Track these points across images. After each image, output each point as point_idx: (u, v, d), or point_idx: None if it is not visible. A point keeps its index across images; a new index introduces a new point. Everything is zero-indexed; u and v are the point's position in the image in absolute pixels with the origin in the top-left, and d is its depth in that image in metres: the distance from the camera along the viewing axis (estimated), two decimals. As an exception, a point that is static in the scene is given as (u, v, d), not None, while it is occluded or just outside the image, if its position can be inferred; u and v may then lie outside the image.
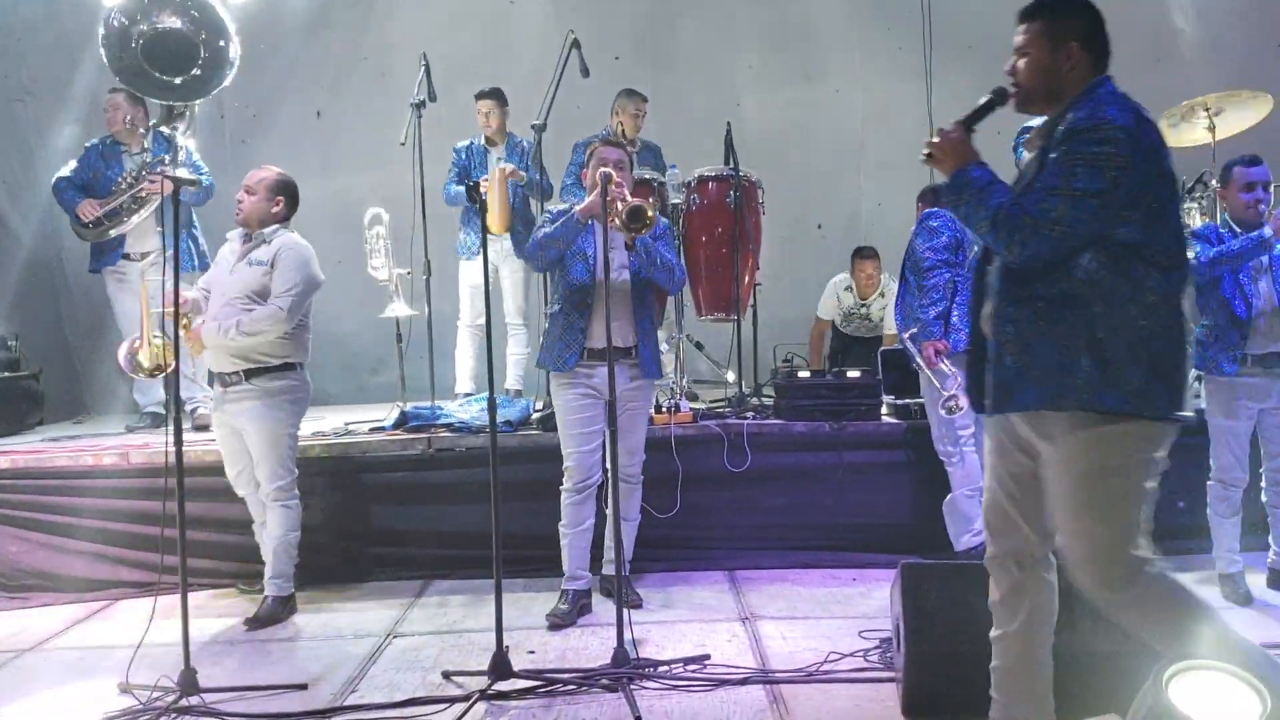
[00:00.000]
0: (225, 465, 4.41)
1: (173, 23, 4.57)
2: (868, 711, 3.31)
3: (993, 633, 2.77)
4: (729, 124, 5.64)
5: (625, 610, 3.64)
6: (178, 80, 4.62)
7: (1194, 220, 5.45)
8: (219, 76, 4.73)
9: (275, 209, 4.33)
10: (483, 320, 6.07)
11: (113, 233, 5.62)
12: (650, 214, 3.88)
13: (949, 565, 3.68)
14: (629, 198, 3.96)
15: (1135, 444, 2.45)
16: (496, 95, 6.06)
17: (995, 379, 2.61)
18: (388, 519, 5.00)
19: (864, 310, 6.78)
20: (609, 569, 4.26)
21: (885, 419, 5.04)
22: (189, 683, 3.45)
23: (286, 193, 4.37)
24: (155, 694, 3.47)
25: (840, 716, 3.29)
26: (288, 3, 7.13)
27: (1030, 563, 2.70)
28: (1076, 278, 2.46)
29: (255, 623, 4.25)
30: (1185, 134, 5.74)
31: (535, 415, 5.30)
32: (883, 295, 6.70)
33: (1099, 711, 2.07)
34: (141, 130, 5.67)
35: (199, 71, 4.63)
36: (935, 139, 2.68)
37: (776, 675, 3.61)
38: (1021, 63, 2.66)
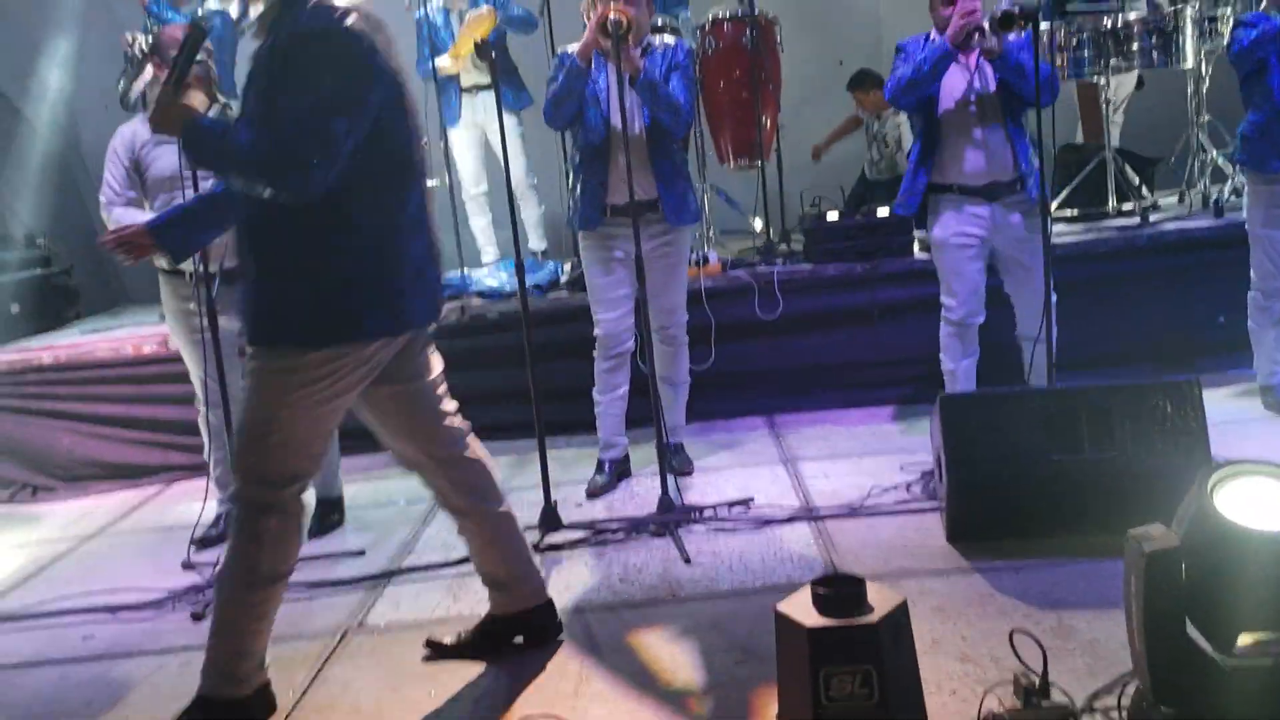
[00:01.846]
0: (211, 369, 3.62)
1: None
2: (912, 540, 3.37)
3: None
4: (743, -40, 5.41)
5: (668, 459, 3.68)
6: None
7: (1227, 27, 5.21)
8: None
9: None
10: (485, 186, 6.08)
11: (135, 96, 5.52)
12: (627, 19, 3.52)
13: (987, 394, 3.69)
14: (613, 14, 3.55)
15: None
16: None
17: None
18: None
19: (880, 128, 6.62)
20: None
21: (918, 255, 4.97)
22: (250, 555, 3.55)
23: None
24: (217, 568, 3.59)
25: (885, 546, 3.35)
26: None
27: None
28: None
29: (317, 533, 3.93)
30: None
31: (564, 278, 5.29)
32: (895, 113, 6.50)
33: (1145, 523, 2.09)
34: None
35: None
36: (152, 112, 2.44)
37: (821, 512, 3.67)
38: None
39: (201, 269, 3.49)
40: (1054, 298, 3.77)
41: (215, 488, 3.90)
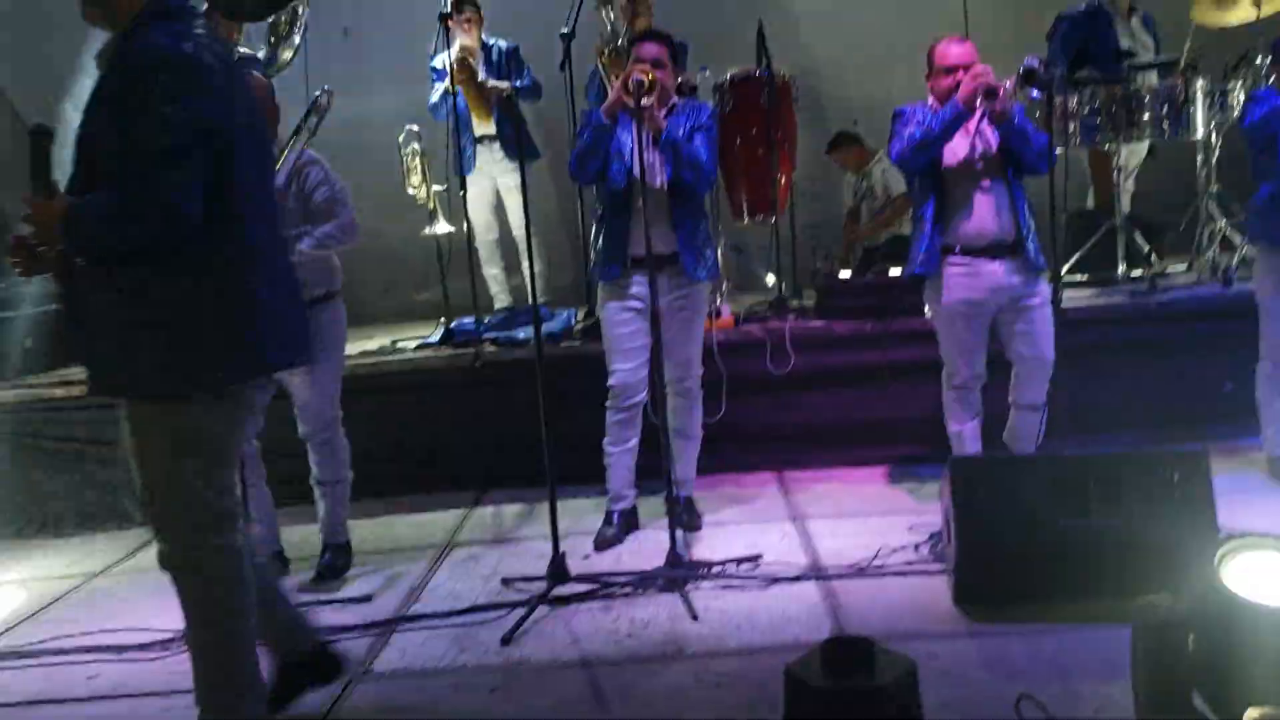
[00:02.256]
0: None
1: None
2: (919, 602, 3.38)
3: None
4: (760, 22, 5.51)
5: (678, 513, 3.71)
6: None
7: (1237, 101, 5.30)
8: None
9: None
10: (496, 234, 6.18)
11: None
12: (650, 79, 3.66)
13: (997, 458, 3.71)
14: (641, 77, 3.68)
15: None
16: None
17: None
18: (439, 433, 5.09)
19: (867, 183, 6.75)
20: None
21: (928, 315, 5.00)
22: (259, 598, 3.56)
23: None
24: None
25: (893, 607, 3.36)
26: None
27: None
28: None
29: (324, 578, 3.99)
30: (1230, 12, 5.55)
31: (577, 326, 5.34)
32: (880, 160, 6.66)
33: (1151, 592, 2.10)
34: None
35: None
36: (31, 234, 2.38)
37: (829, 571, 3.68)
38: None
39: None
40: (1052, 357, 3.84)
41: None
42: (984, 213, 3.91)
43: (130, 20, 2.40)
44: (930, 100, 3.98)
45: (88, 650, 3.47)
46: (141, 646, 3.45)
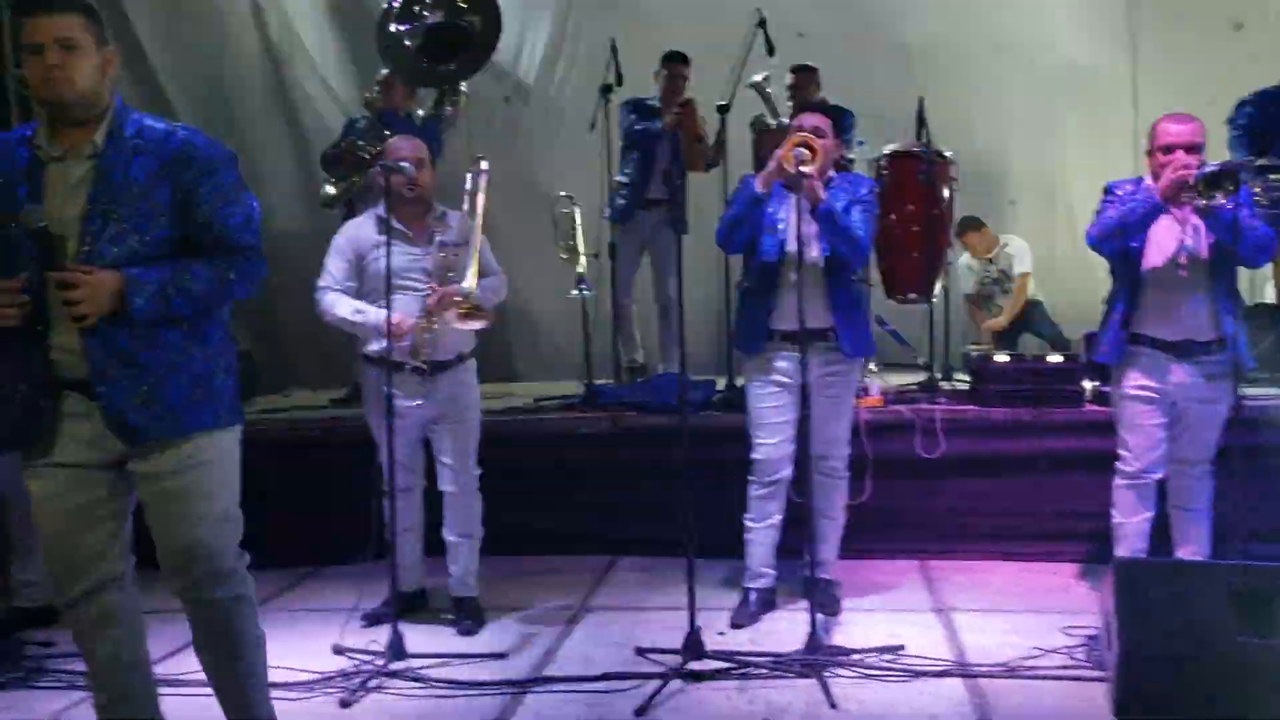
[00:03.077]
0: (397, 454, 3.89)
1: (447, 15, 4.70)
2: (1075, 711, 3.20)
3: None
4: (921, 98, 5.47)
5: (816, 598, 3.61)
6: (443, 68, 4.75)
7: None
8: (481, 62, 4.87)
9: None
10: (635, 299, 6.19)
11: (342, 200, 5.75)
12: (810, 148, 3.61)
13: (1168, 563, 3.51)
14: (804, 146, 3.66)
15: None
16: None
17: None
18: (576, 494, 5.09)
19: (996, 267, 6.71)
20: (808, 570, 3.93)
21: (1090, 406, 4.81)
22: (396, 648, 3.61)
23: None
24: (365, 657, 3.66)
25: (1046, 713, 3.19)
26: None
27: None
28: None
29: (467, 629, 4.05)
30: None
31: (718, 396, 5.30)
32: (1006, 246, 6.69)
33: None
34: (406, 113, 5.74)
35: (465, 59, 4.76)
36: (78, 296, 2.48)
37: (976, 669, 3.51)
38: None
39: (390, 354, 3.72)
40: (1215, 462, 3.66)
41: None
42: (1182, 309, 3.69)
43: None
44: (1146, 178, 3.77)
45: (233, 686, 3.53)
46: (283, 685, 3.49)
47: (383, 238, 3.74)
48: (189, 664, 3.65)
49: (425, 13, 5.09)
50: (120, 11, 6.68)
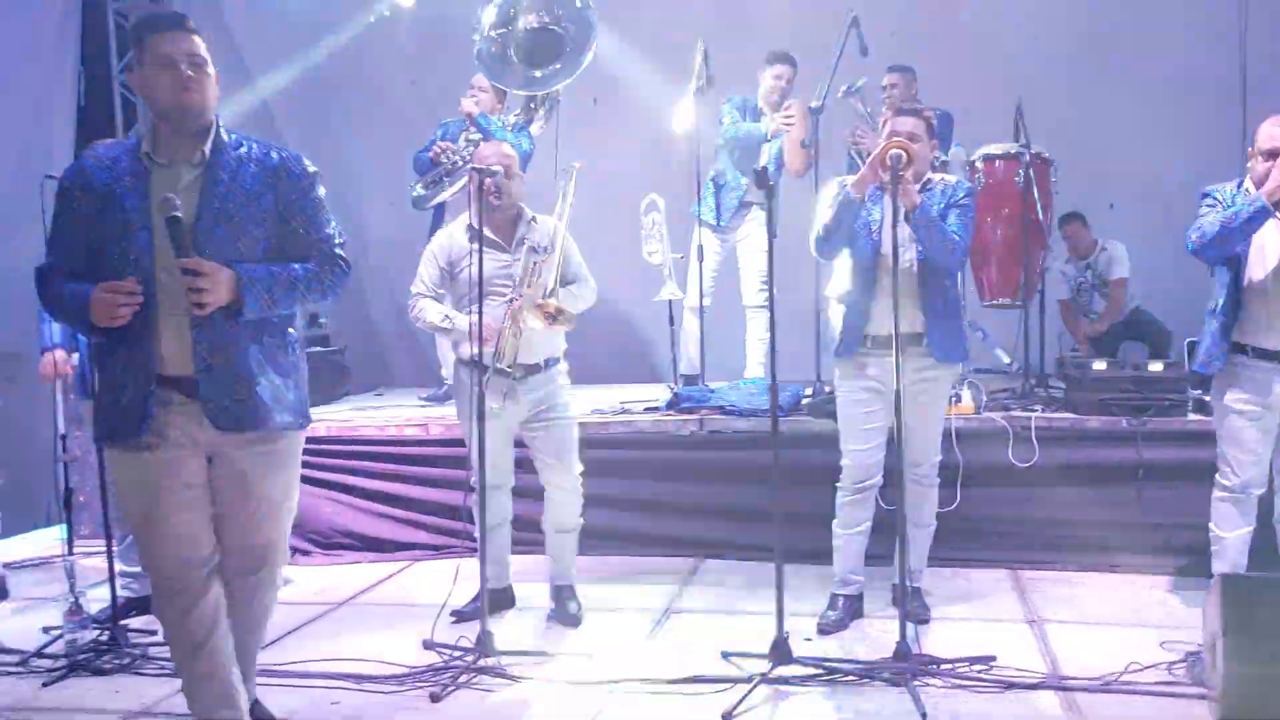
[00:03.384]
0: (488, 456, 3.80)
1: (541, 20, 4.77)
2: (1176, 729, 3.10)
3: None
4: (1019, 100, 5.36)
5: (905, 606, 3.56)
6: (538, 73, 4.81)
7: None
8: (575, 67, 4.93)
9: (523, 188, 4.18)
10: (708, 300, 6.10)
11: (431, 202, 5.85)
12: (906, 153, 3.55)
13: (1276, 579, 3.38)
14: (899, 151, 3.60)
15: None
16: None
17: None
18: (662, 496, 5.11)
19: (1093, 273, 6.57)
20: (896, 577, 3.92)
21: (1192, 416, 4.67)
22: (486, 644, 3.66)
23: None
24: (455, 653, 3.72)
25: (1145, 730, 3.10)
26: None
27: None
28: None
29: (555, 620, 4.19)
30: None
31: (806, 401, 5.27)
32: (1104, 249, 6.55)
33: None
34: (499, 119, 5.80)
35: (559, 65, 4.81)
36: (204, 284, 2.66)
37: (1071, 682, 3.43)
38: None
39: (479, 358, 3.78)
40: None
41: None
42: None
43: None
44: (1246, 181, 3.64)
45: (331, 676, 3.63)
46: (377, 679, 3.59)
47: (473, 245, 3.81)
48: (283, 655, 3.80)
49: (520, 18, 5.15)
50: (223, 26, 6.91)
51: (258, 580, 2.97)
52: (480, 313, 3.76)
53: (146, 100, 2.81)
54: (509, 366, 3.90)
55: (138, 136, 2.88)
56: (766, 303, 5.79)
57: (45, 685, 3.64)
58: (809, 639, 3.87)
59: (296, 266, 2.85)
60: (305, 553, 5.22)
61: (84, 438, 4.88)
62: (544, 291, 3.89)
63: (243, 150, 2.84)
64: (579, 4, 5.09)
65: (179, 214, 2.65)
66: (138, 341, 2.72)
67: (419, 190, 5.87)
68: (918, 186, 3.78)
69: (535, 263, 3.98)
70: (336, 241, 2.95)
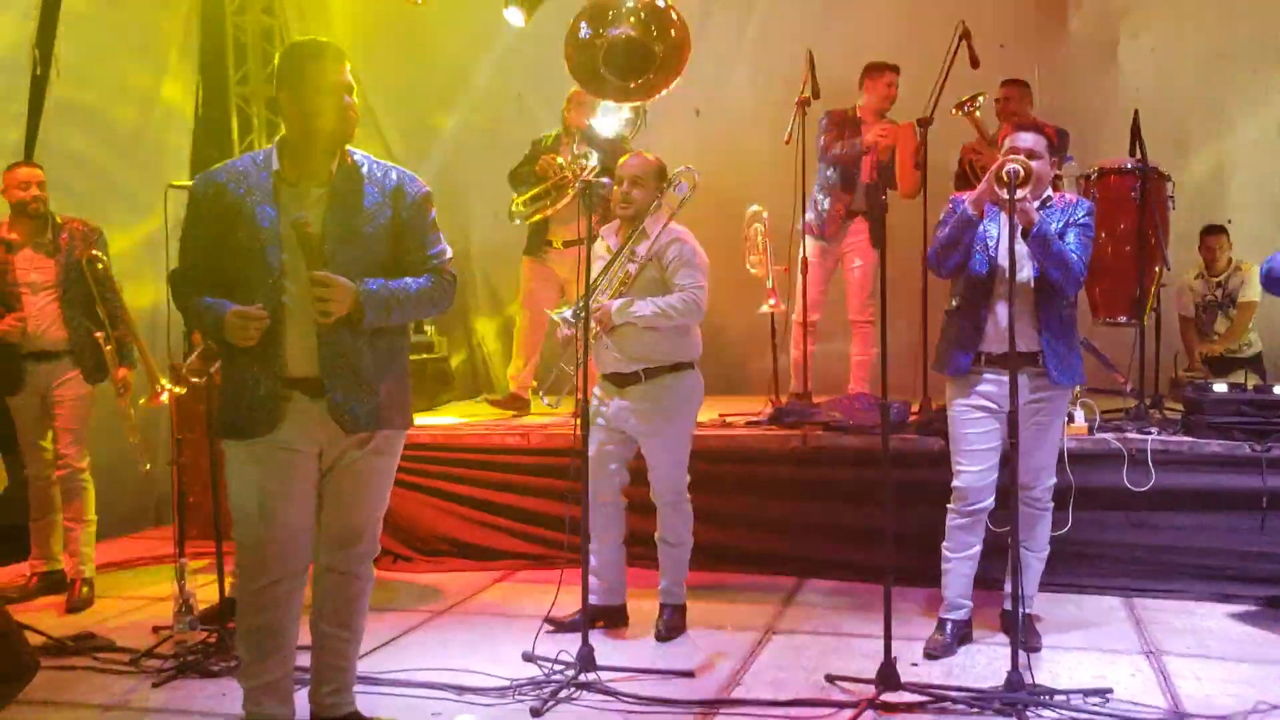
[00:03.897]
0: (591, 463, 3.94)
1: (633, 31, 4.78)
2: (1309, 774, 2.95)
3: None
4: (1136, 111, 5.19)
5: (1016, 633, 3.46)
6: (631, 84, 4.83)
7: None
8: (667, 80, 4.93)
9: (657, 199, 4.19)
10: (819, 315, 6.03)
11: (536, 217, 5.83)
12: (1025, 170, 3.47)
13: None
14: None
15: None
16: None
17: None
18: (763, 512, 5.06)
19: (1223, 291, 6.31)
20: (1006, 603, 3.88)
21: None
22: (587, 659, 3.66)
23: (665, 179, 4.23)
24: (556, 666, 3.72)
25: (1275, 776, 2.95)
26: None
27: None
28: None
29: (663, 637, 4.14)
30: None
31: (913, 419, 5.16)
32: (1239, 269, 6.25)
33: None
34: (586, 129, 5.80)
35: (651, 76, 4.82)
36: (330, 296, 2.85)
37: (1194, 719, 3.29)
38: None
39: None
40: None
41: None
42: None
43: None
44: None
45: (431, 686, 3.65)
46: (478, 690, 3.61)
47: (604, 255, 3.96)
48: (384, 663, 3.84)
49: (614, 26, 5.12)
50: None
51: (348, 557, 3.11)
52: (586, 320, 3.88)
53: (290, 120, 2.97)
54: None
55: (264, 152, 3.03)
56: (873, 317, 5.78)
57: (155, 685, 3.75)
58: (915, 664, 3.79)
59: (410, 281, 3.03)
60: (407, 559, 5.30)
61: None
62: (603, 302, 4.06)
63: (364, 170, 3.02)
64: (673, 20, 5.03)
65: (312, 229, 2.85)
66: (266, 345, 2.92)
67: (520, 206, 5.85)
68: (1037, 204, 3.70)
69: (628, 272, 4.08)
70: (446, 258, 3.13)
